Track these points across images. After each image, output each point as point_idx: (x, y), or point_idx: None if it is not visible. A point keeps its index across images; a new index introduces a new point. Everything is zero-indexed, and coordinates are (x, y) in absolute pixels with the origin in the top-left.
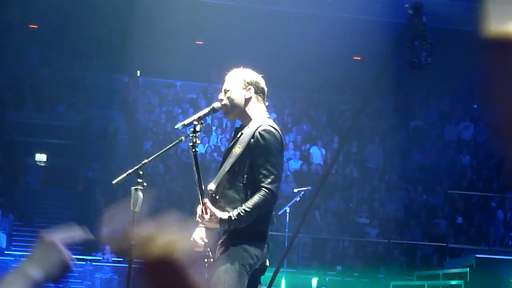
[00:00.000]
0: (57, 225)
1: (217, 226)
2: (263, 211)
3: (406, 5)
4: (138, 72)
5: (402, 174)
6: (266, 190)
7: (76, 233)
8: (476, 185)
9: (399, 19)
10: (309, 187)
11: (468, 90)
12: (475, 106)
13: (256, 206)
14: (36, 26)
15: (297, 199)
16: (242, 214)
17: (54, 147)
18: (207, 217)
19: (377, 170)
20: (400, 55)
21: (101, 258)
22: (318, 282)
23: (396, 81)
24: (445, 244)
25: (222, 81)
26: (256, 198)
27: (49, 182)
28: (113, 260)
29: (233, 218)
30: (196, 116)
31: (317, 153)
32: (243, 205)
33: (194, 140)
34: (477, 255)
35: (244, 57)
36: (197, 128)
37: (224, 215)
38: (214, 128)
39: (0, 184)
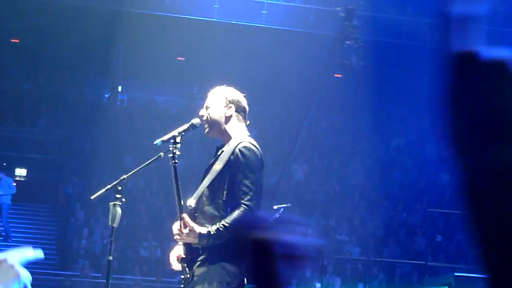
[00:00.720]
0: (36, 239)
1: (196, 241)
2: (242, 229)
3: (338, 8)
4: (120, 88)
5: (383, 191)
6: (245, 207)
7: (28, 252)
8: (456, 203)
9: (380, 37)
10: (288, 204)
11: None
12: None
13: (234, 223)
14: (18, 41)
15: (277, 216)
16: (221, 229)
17: (34, 161)
18: (185, 231)
19: (358, 187)
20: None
21: (79, 273)
22: None
23: (377, 98)
24: (424, 262)
25: (204, 97)
26: (234, 214)
27: (29, 197)
28: (92, 275)
29: (212, 233)
30: (175, 132)
31: (298, 170)
32: (222, 220)
33: (174, 152)
34: (456, 273)
35: (225, 73)
36: (177, 140)
37: (203, 230)
38: (194, 144)
39: None
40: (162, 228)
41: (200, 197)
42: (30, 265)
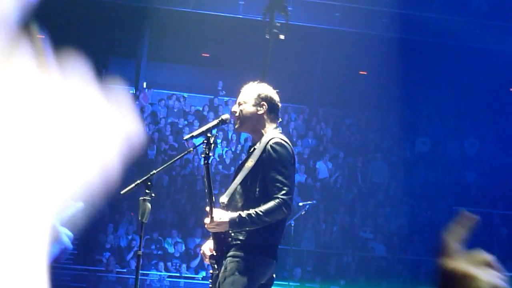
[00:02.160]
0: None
1: (227, 226)
2: (275, 219)
3: None
4: (145, 84)
5: (407, 189)
6: (281, 200)
7: (68, 208)
8: (481, 201)
9: (405, 35)
10: (314, 201)
11: (474, 106)
12: (481, 122)
13: (268, 212)
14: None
15: (302, 213)
16: (253, 215)
17: None
18: (216, 217)
19: (382, 185)
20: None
21: (104, 268)
22: None
23: (402, 97)
24: None
25: (228, 94)
26: (270, 204)
27: None
28: (117, 271)
29: (243, 216)
30: (204, 128)
31: (323, 168)
32: (256, 209)
33: (207, 152)
34: None
35: (250, 70)
36: (211, 140)
37: (233, 214)
38: (219, 140)
39: None
40: (186, 224)
41: (232, 194)
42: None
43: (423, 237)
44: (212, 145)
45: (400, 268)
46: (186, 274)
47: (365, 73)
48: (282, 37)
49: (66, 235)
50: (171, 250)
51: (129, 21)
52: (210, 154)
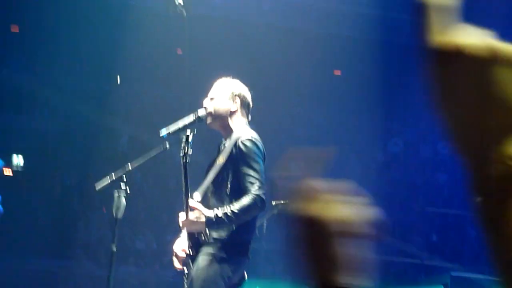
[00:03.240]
0: (32, 229)
1: (203, 227)
2: (251, 216)
3: None
4: (118, 79)
5: (378, 190)
6: (254, 195)
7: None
8: (452, 203)
9: (381, 36)
10: (287, 200)
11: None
12: None
13: (244, 209)
14: (17, 30)
15: (275, 212)
16: (229, 214)
17: (32, 151)
18: (192, 215)
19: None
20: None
21: (74, 264)
22: None
23: (376, 97)
24: (420, 261)
25: (201, 91)
26: (244, 201)
27: (26, 186)
28: (87, 266)
29: (219, 215)
30: (181, 124)
31: (294, 167)
32: (230, 206)
33: (186, 150)
34: (452, 273)
35: (223, 69)
36: (190, 138)
37: (210, 213)
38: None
39: None
40: (159, 221)
41: (205, 193)
42: (25, 255)
43: (393, 237)
44: (191, 143)
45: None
46: (157, 271)
47: (339, 73)
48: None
49: None
50: (141, 247)
51: (104, 16)
52: (189, 152)
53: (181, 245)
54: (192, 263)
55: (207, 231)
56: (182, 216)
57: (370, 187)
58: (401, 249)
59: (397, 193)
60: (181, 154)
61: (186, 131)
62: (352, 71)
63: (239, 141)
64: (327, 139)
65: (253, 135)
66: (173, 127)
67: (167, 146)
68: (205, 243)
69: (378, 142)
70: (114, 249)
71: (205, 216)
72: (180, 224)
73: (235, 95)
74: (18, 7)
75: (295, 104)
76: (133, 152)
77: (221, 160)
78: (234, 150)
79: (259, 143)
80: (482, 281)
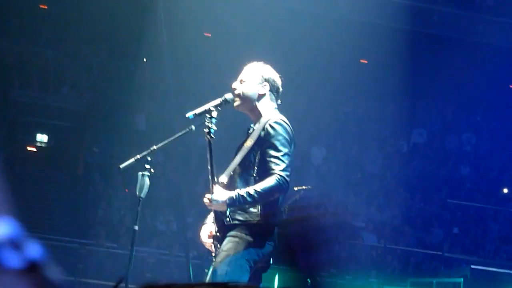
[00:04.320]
0: (53, 206)
1: (225, 206)
2: (273, 196)
3: None
4: (145, 59)
5: (401, 180)
6: (278, 176)
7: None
8: (475, 196)
9: (408, 25)
10: (309, 186)
11: (472, 101)
12: (478, 117)
13: (266, 188)
14: (46, 7)
15: (297, 198)
16: (251, 192)
17: (56, 128)
18: (215, 196)
19: (377, 175)
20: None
21: (94, 242)
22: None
23: (401, 87)
24: (440, 253)
25: (230, 75)
26: (267, 181)
27: (49, 163)
28: (107, 245)
29: (241, 194)
30: (207, 106)
31: (317, 153)
32: (254, 186)
33: (210, 126)
34: (472, 266)
35: (251, 52)
36: (213, 114)
37: (232, 193)
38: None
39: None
40: (180, 203)
41: (231, 175)
42: (46, 231)
43: (415, 228)
44: (215, 119)
45: (390, 258)
46: (177, 253)
47: (365, 62)
48: None
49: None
50: (162, 228)
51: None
52: (214, 128)
53: (207, 231)
54: (219, 245)
55: (229, 212)
56: (208, 195)
57: (393, 177)
58: (422, 240)
59: (420, 184)
60: (206, 130)
61: (210, 109)
62: (378, 60)
63: (268, 123)
64: (351, 127)
65: (282, 118)
66: (199, 109)
67: (193, 128)
68: (232, 226)
69: (402, 132)
70: (136, 228)
71: (226, 195)
72: (206, 202)
73: (265, 79)
74: None
75: (322, 91)
76: (156, 133)
77: (249, 143)
78: (262, 133)
79: (288, 127)
80: (502, 275)
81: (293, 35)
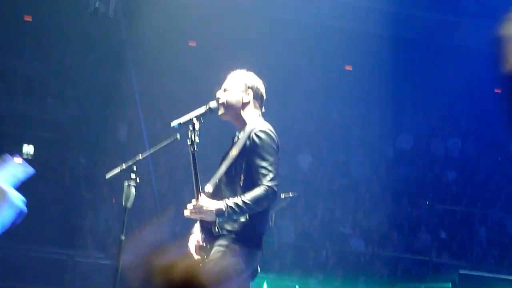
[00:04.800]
0: (41, 218)
1: (213, 216)
2: (262, 207)
3: None
4: (132, 71)
5: (388, 186)
6: (266, 187)
7: (17, 168)
8: (461, 200)
9: (392, 31)
10: (295, 193)
11: (458, 105)
12: (464, 122)
13: (255, 200)
14: (30, 19)
15: (283, 205)
16: (240, 204)
17: (42, 139)
18: (201, 203)
19: (363, 180)
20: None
21: (82, 253)
22: None
23: (386, 93)
24: (428, 258)
25: (215, 83)
26: (256, 192)
27: (35, 174)
28: (95, 256)
29: (229, 205)
30: (192, 115)
31: (304, 161)
32: (242, 196)
33: (193, 138)
34: (460, 271)
35: (235, 61)
36: (196, 126)
37: (220, 204)
38: (203, 128)
39: None
40: (167, 211)
41: (217, 184)
42: (33, 243)
43: (402, 234)
44: (197, 131)
45: (378, 264)
46: None
47: (350, 68)
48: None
49: (19, 198)
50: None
51: (115, 7)
52: (196, 140)
53: (195, 240)
54: (206, 256)
55: (218, 222)
56: (191, 203)
57: (379, 183)
58: (410, 245)
59: (406, 189)
60: (189, 143)
61: (193, 120)
62: (363, 66)
63: (253, 132)
64: (337, 134)
65: (268, 126)
66: (184, 118)
67: (178, 137)
68: (219, 236)
69: (388, 138)
70: (123, 238)
71: (215, 205)
72: (188, 212)
73: (248, 87)
74: None
75: (307, 98)
76: (141, 142)
77: (234, 152)
78: (247, 142)
79: (274, 135)
80: (490, 279)
81: (277, 43)
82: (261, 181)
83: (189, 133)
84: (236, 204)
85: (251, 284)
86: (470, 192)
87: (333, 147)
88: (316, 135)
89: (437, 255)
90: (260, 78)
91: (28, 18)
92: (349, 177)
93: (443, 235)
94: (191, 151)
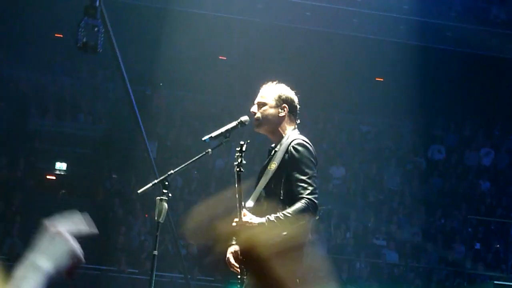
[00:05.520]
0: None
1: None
2: (303, 220)
3: None
4: (161, 84)
5: (421, 197)
6: (307, 200)
7: (81, 225)
8: (495, 211)
9: (422, 42)
10: (329, 206)
11: (490, 115)
12: (497, 132)
13: (296, 213)
14: (61, 36)
15: (317, 218)
16: (281, 217)
17: (74, 156)
18: (245, 218)
19: (396, 192)
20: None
21: (115, 269)
22: None
23: (417, 104)
24: (462, 269)
25: (245, 97)
26: (297, 205)
27: (68, 191)
28: (129, 271)
29: (271, 219)
30: (223, 129)
31: (337, 173)
32: (284, 211)
33: (240, 160)
34: (495, 282)
35: (267, 74)
36: (243, 148)
37: (262, 219)
38: (234, 143)
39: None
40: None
41: (258, 199)
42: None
43: (436, 245)
44: (244, 153)
45: (412, 276)
46: (198, 276)
47: (381, 79)
48: None
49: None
50: (183, 252)
51: (145, 22)
52: (242, 162)
53: (234, 253)
54: (246, 270)
55: None
56: (235, 219)
57: (412, 194)
58: (444, 257)
59: (440, 200)
60: (235, 163)
61: (241, 142)
62: (394, 77)
63: (291, 146)
64: (369, 145)
65: (304, 139)
66: (216, 132)
67: (210, 151)
68: None
69: (420, 149)
70: (156, 253)
71: (257, 220)
72: (232, 227)
73: (283, 100)
74: (62, 15)
75: (338, 110)
76: (173, 158)
77: (273, 166)
78: (286, 156)
79: (311, 148)
80: None
81: (307, 55)
82: (301, 194)
83: (237, 154)
84: (277, 217)
85: None
86: (504, 202)
87: (365, 159)
88: (348, 148)
89: (471, 266)
90: (292, 89)
91: (59, 35)
92: (381, 189)
93: (477, 246)
94: (237, 172)
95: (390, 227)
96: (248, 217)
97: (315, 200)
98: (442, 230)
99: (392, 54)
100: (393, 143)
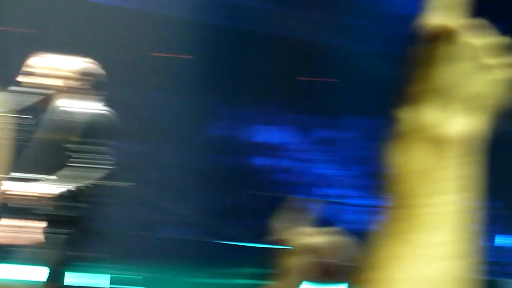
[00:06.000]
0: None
1: None
2: None
3: None
4: None
5: (199, 173)
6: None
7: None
8: (268, 187)
9: (212, 19)
10: (132, 183)
11: (264, 93)
12: (270, 109)
13: None
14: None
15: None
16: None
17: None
18: None
19: (176, 168)
20: None
21: None
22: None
23: (194, 80)
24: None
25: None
26: None
27: None
28: None
29: None
30: None
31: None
32: None
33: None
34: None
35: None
36: None
37: None
38: None
39: None
40: None
41: None
42: None
43: (214, 220)
44: None
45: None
46: None
47: (158, 54)
48: None
49: None
50: None
51: None
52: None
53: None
54: None
55: None
56: None
57: (190, 170)
58: (219, 232)
59: (217, 175)
60: None
61: None
62: (173, 52)
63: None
64: (147, 122)
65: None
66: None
67: None
68: None
69: (199, 125)
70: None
71: None
72: None
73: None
74: None
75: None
76: None
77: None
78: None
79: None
80: None
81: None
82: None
83: None
84: None
85: None
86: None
87: (142, 137)
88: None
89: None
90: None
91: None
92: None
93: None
94: None
95: (169, 202)
96: None
97: None
98: (219, 205)
99: (171, 30)
100: (170, 119)
